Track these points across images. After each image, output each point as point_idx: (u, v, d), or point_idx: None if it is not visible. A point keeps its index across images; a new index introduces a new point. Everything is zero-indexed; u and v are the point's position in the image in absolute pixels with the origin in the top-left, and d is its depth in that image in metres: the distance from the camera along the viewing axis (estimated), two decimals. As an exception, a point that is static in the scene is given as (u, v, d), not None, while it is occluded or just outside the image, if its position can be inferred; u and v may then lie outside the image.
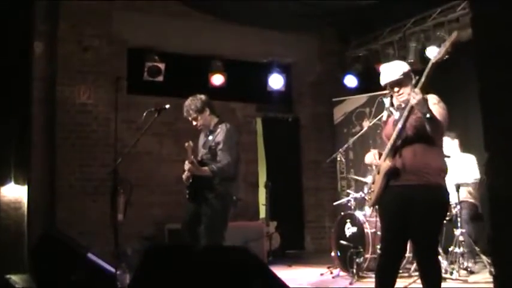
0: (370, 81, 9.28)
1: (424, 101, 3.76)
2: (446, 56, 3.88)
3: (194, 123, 5.69)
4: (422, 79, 3.86)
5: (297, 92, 10.40)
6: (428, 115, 3.77)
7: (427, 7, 8.37)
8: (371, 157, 4.36)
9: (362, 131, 7.98)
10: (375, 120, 7.71)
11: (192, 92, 9.30)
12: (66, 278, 4.17)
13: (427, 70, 3.88)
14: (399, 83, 4.13)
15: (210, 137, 5.65)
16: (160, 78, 8.62)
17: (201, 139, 5.85)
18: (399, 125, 3.98)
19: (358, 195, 7.53)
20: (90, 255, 4.42)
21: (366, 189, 7.50)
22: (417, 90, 3.79)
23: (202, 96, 5.73)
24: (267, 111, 10.24)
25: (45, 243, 4.62)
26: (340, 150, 7.87)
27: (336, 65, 10.15)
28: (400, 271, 6.84)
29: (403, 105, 4.11)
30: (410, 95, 3.84)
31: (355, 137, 7.96)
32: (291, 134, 10.36)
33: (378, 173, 4.20)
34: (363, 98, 9.40)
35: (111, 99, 7.78)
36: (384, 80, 4.21)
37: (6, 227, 7.64)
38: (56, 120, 7.95)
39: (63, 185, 7.85)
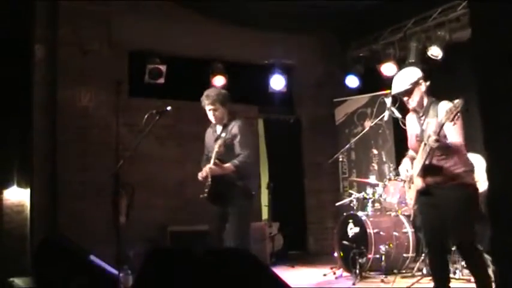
0: (371, 82, 9.29)
1: (440, 144, 4.20)
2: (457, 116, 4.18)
3: (211, 113, 5.71)
4: (433, 137, 4.20)
5: (299, 93, 10.40)
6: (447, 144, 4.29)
7: (428, 7, 8.36)
8: (405, 170, 4.76)
9: (364, 132, 7.98)
10: (376, 121, 7.70)
11: (194, 95, 9.35)
12: (69, 281, 4.17)
13: (437, 131, 4.22)
14: (408, 92, 4.50)
15: (223, 133, 5.66)
16: (162, 81, 8.60)
17: (210, 135, 5.86)
18: (423, 156, 4.38)
19: (360, 195, 7.53)
20: (92, 257, 4.42)
21: (368, 190, 7.52)
22: (435, 137, 4.17)
23: (225, 92, 5.82)
24: (269, 113, 10.23)
25: (48, 246, 4.62)
26: (342, 150, 7.87)
27: (337, 65, 10.12)
28: (403, 271, 6.91)
29: (419, 112, 4.55)
30: (430, 140, 4.23)
31: (357, 137, 7.97)
32: (292, 135, 10.36)
33: (411, 181, 4.64)
34: (364, 98, 9.39)
35: (112, 102, 7.79)
36: (393, 90, 4.59)
37: (9, 230, 7.66)
38: (57, 124, 7.94)
39: (65, 188, 7.84)
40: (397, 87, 4.56)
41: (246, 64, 9.64)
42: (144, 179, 8.30)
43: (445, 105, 4.31)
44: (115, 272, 4.67)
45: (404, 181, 7.12)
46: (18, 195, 7.82)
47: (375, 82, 9.02)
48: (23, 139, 7.84)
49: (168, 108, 5.59)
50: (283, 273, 7.12)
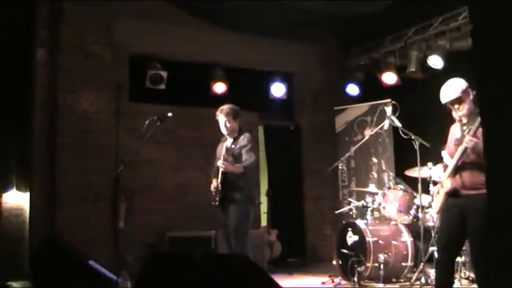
0: (371, 90, 9.30)
1: (476, 145, 4.33)
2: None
3: (224, 127, 6.08)
4: (469, 137, 4.39)
5: (299, 100, 10.41)
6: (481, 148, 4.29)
7: (429, 16, 8.38)
8: (438, 173, 4.89)
9: (363, 140, 7.99)
10: (376, 129, 7.72)
11: (194, 100, 9.36)
12: (67, 285, 4.17)
13: (474, 130, 4.38)
14: (459, 100, 4.59)
15: (233, 145, 6.05)
16: (163, 86, 8.62)
17: (220, 148, 6.17)
18: (457, 155, 4.53)
19: (359, 203, 7.52)
20: (91, 262, 4.41)
21: (368, 198, 7.52)
22: (471, 137, 4.35)
23: (237, 108, 6.24)
24: (269, 120, 10.24)
25: (46, 250, 4.61)
26: (342, 158, 7.87)
27: (337, 73, 10.14)
28: (402, 280, 6.90)
29: (463, 120, 4.60)
30: (465, 139, 4.43)
31: (357, 145, 7.97)
32: (292, 142, 10.36)
33: (442, 186, 4.73)
34: (364, 106, 9.40)
35: (113, 106, 7.81)
36: (444, 99, 4.65)
37: (8, 233, 7.62)
38: (57, 128, 7.95)
39: (65, 192, 7.84)
40: (447, 95, 4.61)
41: (246, 70, 9.65)
42: (144, 184, 8.30)
43: None
44: (113, 277, 4.66)
45: (405, 190, 7.13)
46: (17, 199, 7.78)
47: (375, 90, 9.03)
48: (22, 142, 7.81)
49: (169, 114, 5.63)
50: (282, 280, 7.09)
